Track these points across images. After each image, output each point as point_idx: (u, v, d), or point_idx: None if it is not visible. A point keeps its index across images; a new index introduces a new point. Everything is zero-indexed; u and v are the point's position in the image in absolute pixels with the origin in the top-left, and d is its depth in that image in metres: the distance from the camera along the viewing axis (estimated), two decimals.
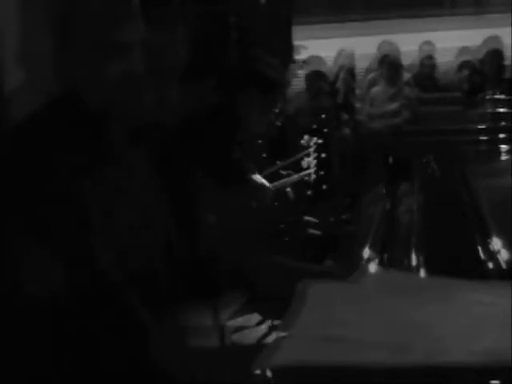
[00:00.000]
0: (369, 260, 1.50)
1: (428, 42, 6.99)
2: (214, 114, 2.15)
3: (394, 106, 5.89)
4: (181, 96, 1.14)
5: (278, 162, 2.92)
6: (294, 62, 4.33)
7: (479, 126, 5.13)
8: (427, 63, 7.00)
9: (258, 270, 1.32)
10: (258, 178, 2.38)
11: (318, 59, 5.87)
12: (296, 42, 4.26)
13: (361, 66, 6.93)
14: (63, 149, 1.11)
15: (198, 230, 1.74)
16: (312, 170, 3.43)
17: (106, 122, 1.17)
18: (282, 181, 2.61)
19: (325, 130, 5.13)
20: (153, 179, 1.30)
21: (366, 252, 1.52)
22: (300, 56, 4.58)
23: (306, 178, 3.04)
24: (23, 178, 1.06)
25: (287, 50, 3.87)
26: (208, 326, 1.30)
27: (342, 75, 6.35)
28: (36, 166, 1.07)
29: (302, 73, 4.85)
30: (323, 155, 4.23)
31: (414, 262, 1.48)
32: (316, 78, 5.83)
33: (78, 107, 1.16)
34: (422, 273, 1.43)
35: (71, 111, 1.16)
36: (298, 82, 5.00)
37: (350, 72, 6.69)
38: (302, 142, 3.52)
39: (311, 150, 3.27)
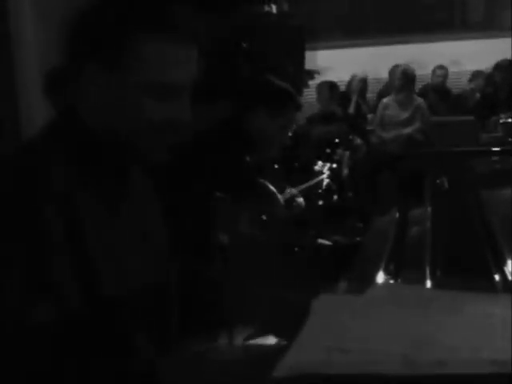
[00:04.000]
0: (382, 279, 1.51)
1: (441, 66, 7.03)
2: (225, 131, 2.17)
3: (405, 115, 5.88)
4: (193, 115, 1.13)
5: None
6: (308, 86, 4.34)
7: (491, 135, 5.13)
8: (439, 73, 7.01)
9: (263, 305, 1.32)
10: (269, 187, 2.40)
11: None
12: (310, 67, 4.28)
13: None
14: (62, 169, 1.09)
15: (210, 249, 1.76)
16: (325, 175, 3.45)
17: (109, 141, 1.15)
18: (298, 188, 2.63)
19: (336, 140, 5.16)
20: (158, 197, 1.29)
21: (380, 274, 1.53)
22: (314, 81, 4.61)
23: (319, 188, 3.07)
24: (22, 200, 1.04)
25: (300, 74, 3.89)
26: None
27: (354, 98, 6.39)
28: (36, 184, 1.07)
29: (313, 83, 4.87)
30: (334, 165, 4.25)
31: (424, 276, 1.50)
32: (327, 87, 5.86)
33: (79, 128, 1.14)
34: (432, 285, 1.45)
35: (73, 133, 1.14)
36: (309, 92, 5.02)
37: (363, 82, 6.72)
38: (316, 167, 3.55)
39: (324, 176, 3.31)
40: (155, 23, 1.08)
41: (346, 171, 4.52)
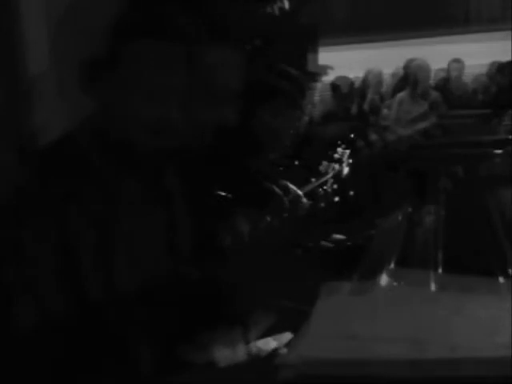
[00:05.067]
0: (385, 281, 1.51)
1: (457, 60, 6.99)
2: (227, 132, 2.16)
3: (420, 110, 5.85)
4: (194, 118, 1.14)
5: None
6: (312, 88, 4.35)
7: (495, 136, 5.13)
8: (455, 66, 6.99)
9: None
10: (273, 188, 2.39)
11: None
12: (311, 69, 4.28)
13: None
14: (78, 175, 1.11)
15: (211, 249, 1.75)
16: (329, 176, 3.43)
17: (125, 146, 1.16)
18: (303, 189, 2.62)
19: (351, 136, 5.15)
20: (158, 198, 1.30)
21: (384, 276, 1.53)
22: (328, 77, 4.61)
23: (324, 188, 3.05)
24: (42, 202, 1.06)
25: (303, 76, 3.90)
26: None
27: (370, 96, 6.37)
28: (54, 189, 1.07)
29: (326, 80, 4.87)
30: (337, 166, 4.24)
31: (428, 277, 1.49)
32: (330, 88, 5.86)
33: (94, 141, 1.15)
34: (435, 287, 1.44)
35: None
36: (322, 88, 5.03)
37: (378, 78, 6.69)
38: (321, 168, 3.54)
39: (329, 176, 3.29)
40: (155, 26, 1.09)
41: (346, 170, 4.51)
